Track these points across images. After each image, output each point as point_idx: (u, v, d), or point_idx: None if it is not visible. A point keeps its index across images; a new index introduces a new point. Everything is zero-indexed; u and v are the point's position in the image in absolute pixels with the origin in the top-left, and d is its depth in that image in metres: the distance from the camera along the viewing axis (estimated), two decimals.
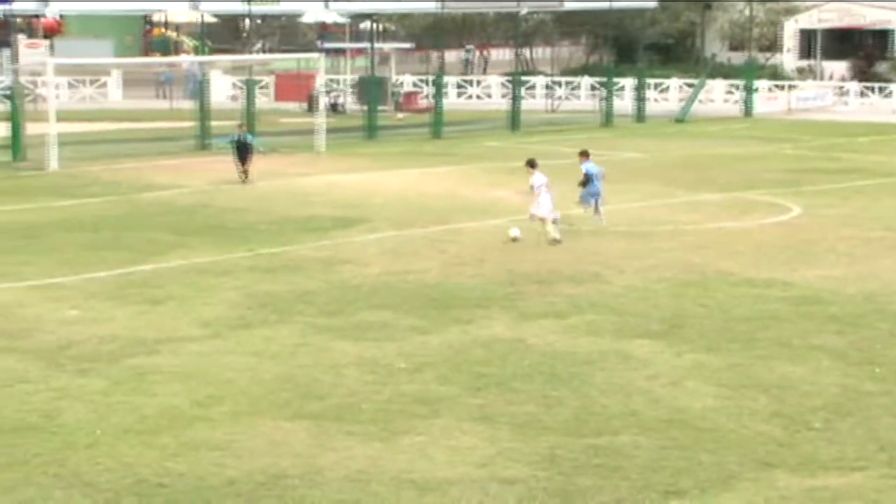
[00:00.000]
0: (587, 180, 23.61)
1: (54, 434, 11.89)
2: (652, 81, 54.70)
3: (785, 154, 37.91)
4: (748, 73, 53.86)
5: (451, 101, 52.84)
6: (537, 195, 21.89)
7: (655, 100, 54.85)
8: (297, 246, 21.67)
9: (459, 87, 59.14)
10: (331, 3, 44.47)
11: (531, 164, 22.47)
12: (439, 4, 44.26)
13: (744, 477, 10.90)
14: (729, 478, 10.88)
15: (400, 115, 49.45)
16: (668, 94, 56.90)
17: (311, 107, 46.56)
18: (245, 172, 29.49)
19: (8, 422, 12.24)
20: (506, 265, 19.91)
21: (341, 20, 58.52)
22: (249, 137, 30.45)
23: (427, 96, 53.11)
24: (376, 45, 51.59)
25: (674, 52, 65.99)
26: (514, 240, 21.86)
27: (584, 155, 24.09)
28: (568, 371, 14.04)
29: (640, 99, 50.29)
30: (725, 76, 58.05)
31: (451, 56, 69.09)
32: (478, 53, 73.46)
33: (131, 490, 10.55)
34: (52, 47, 56.51)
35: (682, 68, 61.60)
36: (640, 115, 49.60)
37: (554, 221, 22.00)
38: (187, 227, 23.63)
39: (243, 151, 29.67)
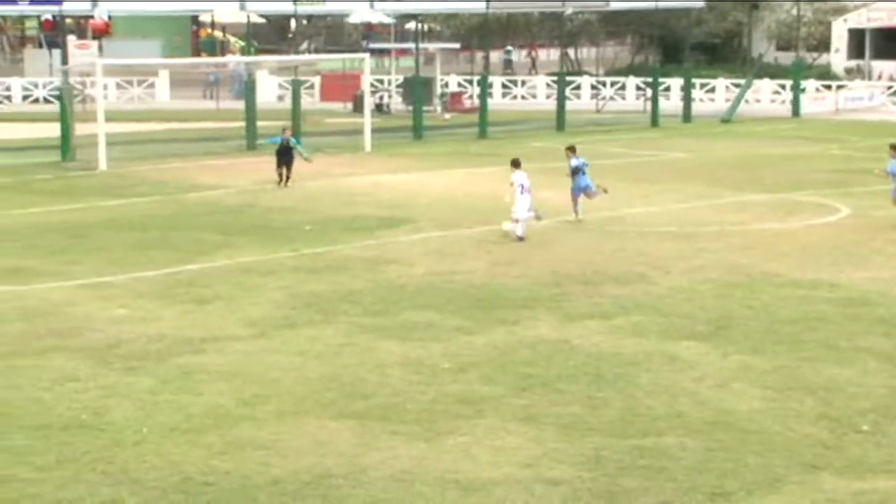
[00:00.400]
0: (574, 173, 24.12)
1: (103, 432, 12.01)
2: (698, 81, 54.42)
3: (832, 154, 37.61)
4: (796, 72, 53.49)
5: (496, 101, 52.83)
6: (514, 194, 22.09)
7: (702, 100, 54.59)
8: (342, 246, 21.75)
9: (505, 87, 59.10)
10: (376, 4, 44.55)
11: (514, 163, 22.73)
12: (485, 4, 44.22)
13: (790, 479, 10.84)
14: (775, 480, 10.82)
15: (447, 116, 49.49)
16: (715, 94, 56.60)
17: (357, 107, 46.76)
18: (287, 177, 29.02)
19: (59, 419, 12.38)
20: (551, 266, 19.90)
21: (387, 20, 58.68)
22: (293, 141, 30.00)
23: (471, 96, 53.14)
24: (422, 45, 51.62)
25: (720, 52, 65.63)
26: (508, 234, 22.04)
27: (573, 150, 24.72)
28: (613, 372, 14.02)
29: (687, 99, 50.06)
30: (772, 76, 57.67)
31: (496, 56, 69.13)
32: (525, 53, 73.41)
33: (177, 488, 10.64)
34: (100, 48, 57.11)
35: (728, 68, 61.25)
36: (686, 116, 49.38)
37: (538, 219, 22.43)
38: (233, 227, 23.78)
39: (285, 155, 29.22)
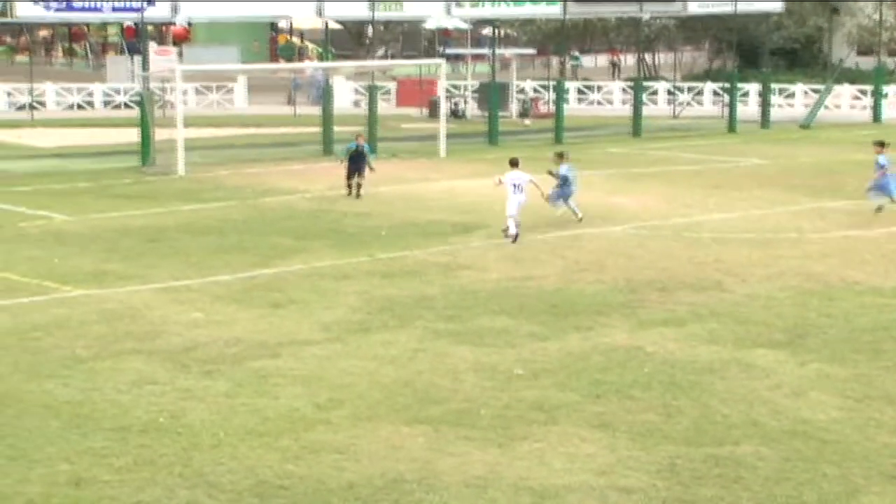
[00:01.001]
0: (563, 182, 24.45)
1: (180, 435, 12.15)
2: (777, 87, 53.80)
3: None
4: (877, 78, 52.72)
5: (571, 106, 52.63)
6: (509, 192, 22.78)
7: (780, 105, 54.00)
8: (417, 251, 21.81)
9: (580, 92, 58.90)
10: (453, 9, 44.58)
11: (511, 163, 23.54)
12: (561, 10, 44.10)
13: (869, 490, 10.69)
14: (854, 491, 10.68)
15: (527, 122, 49.41)
16: (794, 99, 55.96)
17: (432, 112, 46.86)
18: (357, 186, 28.29)
19: (137, 422, 12.55)
20: (626, 272, 19.81)
21: (463, 26, 58.72)
22: (367, 148, 29.18)
23: (547, 102, 53.04)
24: (497, 50, 51.62)
25: (800, 58, 64.83)
26: (506, 233, 22.57)
27: (561, 157, 25.18)
28: (688, 379, 13.92)
29: (765, 104, 49.55)
30: (853, 81, 56.87)
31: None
32: (608, 58, 72.93)
33: (253, 491, 10.73)
34: (181, 54, 57.80)
35: (808, 73, 60.48)
36: (764, 121, 48.87)
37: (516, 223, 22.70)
38: (309, 232, 23.94)
39: (357, 162, 28.40)
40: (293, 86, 56.17)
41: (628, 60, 70.02)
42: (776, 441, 11.89)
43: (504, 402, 13.13)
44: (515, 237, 22.40)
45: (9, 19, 37.54)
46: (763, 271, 19.82)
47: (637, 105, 45.97)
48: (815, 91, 54.15)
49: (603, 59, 77.07)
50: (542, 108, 52.24)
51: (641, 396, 13.31)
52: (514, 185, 22.73)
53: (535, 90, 57.12)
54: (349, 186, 28.51)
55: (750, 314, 17.02)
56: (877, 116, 51.50)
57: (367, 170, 28.63)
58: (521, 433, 12.15)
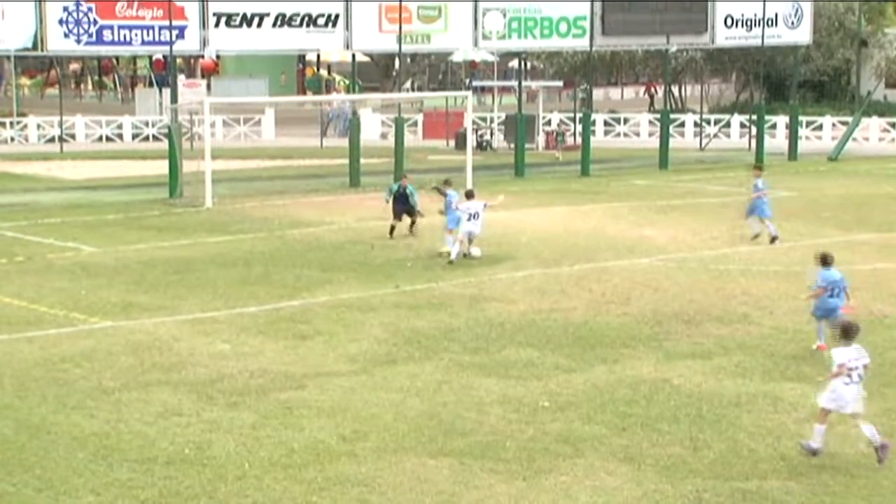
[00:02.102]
0: (447, 208, 25.38)
1: (205, 466, 12.16)
2: (804, 119, 53.69)
3: None
4: None
5: (598, 138, 52.64)
6: (463, 220, 23.98)
7: (808, 138, 53.87)
8: (443, 283, 21.81)
9: (607, 124, 58.94)
10: (480, 42, 44.71)
11: (467, 194, 25.03)
12: (588, 42, 44.18)
13: None
14: None
15: (558, 154, 49.40)
16: (822, 132, 55.82)
17: (459, 144, 46.93)
18: (412, 223, 27.55)
19: (162, 454, 12.57)
20: (652, 304, 19.75)
21: (490, 59, 58.89)
22: (410, 188, 28.01)
23: (574, 134, 53.10)
24: (524, 83, 51.73)
25: (828, 90, 64.73)
26: (471, 255, 23.92)
27: (447, 183, 26.54)
28: (715, 413, 13.85)
29: (793, 137, 49.40)
30: (882, 114, 56.70)
31: (600, 94, 68.67)
32: (643, 90, 72.94)
33: None
34: (209, 86, 58.12)
35: (836, 106, 60.34)
36: (792, 154, 48.73)
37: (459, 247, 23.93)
38: (335, 264, 23.98)
39: (403, 203, 27.58)
40: (330, 117, 56.25)
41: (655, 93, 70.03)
42: (804, 475, 11.81)
43: (529, 435, 13.09)
44: (450, 262, 23.50)
45: (40, 52, 37.83)
46: (790, 304, 19.73)
47: (664, 137, 45.91)
48: (844, 123, 54.01)
49: (630, 92, 77.07)
50: (569, 140, 52.27)
51: (668, 429, 13.25)
52: (469, 215, 23.93)
53: (563, 122, 57.19)
54: (393, 227, 27.54)
55: (777, 347, 16.94)
56: None
57: (417, 209, 27.73)
58: (546, 466, 12.11)
